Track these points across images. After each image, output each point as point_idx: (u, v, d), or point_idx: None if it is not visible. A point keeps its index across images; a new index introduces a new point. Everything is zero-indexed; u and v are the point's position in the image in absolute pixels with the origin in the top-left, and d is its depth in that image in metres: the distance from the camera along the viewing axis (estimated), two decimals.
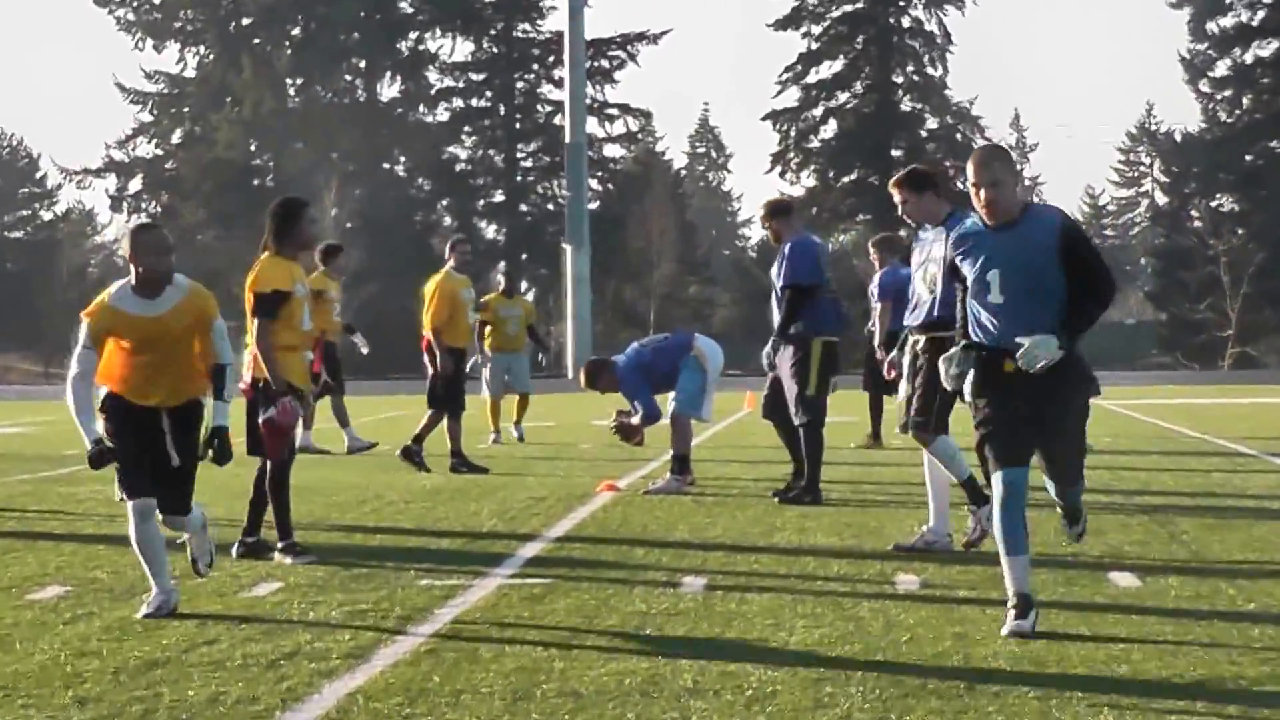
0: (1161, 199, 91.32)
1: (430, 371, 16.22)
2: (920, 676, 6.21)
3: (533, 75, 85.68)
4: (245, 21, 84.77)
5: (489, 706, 5.84)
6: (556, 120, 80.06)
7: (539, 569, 9.26)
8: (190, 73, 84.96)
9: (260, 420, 9.78)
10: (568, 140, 62.90)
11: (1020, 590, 7.08)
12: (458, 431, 15.97)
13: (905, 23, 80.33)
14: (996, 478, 7.13)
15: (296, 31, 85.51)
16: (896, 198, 9.92)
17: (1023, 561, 7.13)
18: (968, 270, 7.25)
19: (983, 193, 7.14)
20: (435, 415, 15.97)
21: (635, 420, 13.98)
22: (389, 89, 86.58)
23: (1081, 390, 7.26)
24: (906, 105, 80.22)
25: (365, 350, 19.44)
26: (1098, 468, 14.97)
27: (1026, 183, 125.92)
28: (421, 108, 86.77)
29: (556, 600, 8.09)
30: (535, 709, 5.80)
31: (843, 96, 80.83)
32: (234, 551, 9.84)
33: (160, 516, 7.92)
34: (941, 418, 9.68)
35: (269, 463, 9.89)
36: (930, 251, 9.68)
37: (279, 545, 9.80)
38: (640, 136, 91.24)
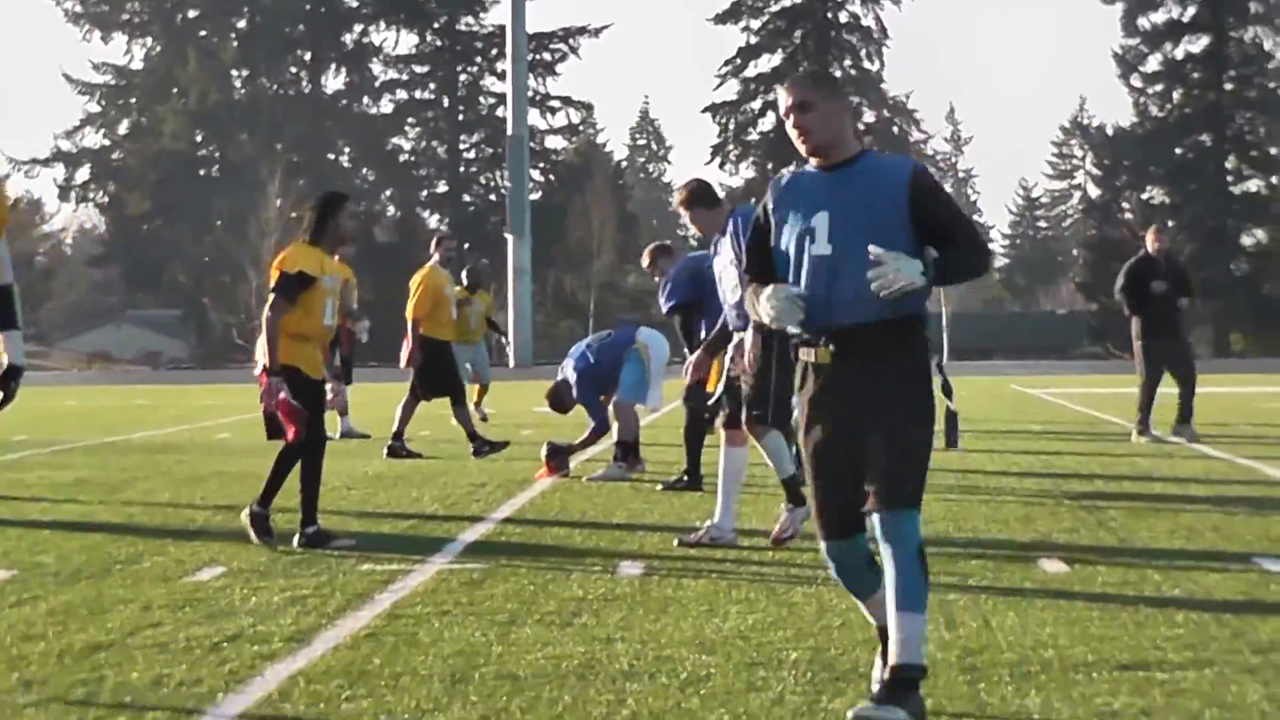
0: (1094, 191, 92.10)
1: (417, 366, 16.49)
2: (851, 661, 6.30)
3: (475, 68, 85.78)
4: (191, 14, 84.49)
5: (428, 689, 5.91)
6: (499, 112, 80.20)
7: (478, 554, 9.31)
8: (137, 64, 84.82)
9: (277, 400, 9.53)
10: (509, 132, 62.89)
11: (883, 623, 5.65)
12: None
13: (843, 18, 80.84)
14: (822, 551, 5.63)
15: (242, 24, 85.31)
16: (685, 217, 10.12)
17: (878, 600, 5.66)
18: (789, 225, 5.50)
19: (790, 118, 5.53)
20: (459, 408, 16.32)
21: (585, 435, 14.24)
22: (333, 81, 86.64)
23: (924, 388, 5.43)
24: None
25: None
26: (1028, 453, 15.18)
27: (960, 174, 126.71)
28: (365, 99, 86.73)
29: (495, 585, 8.16)
30: (473, 691, 5.86)
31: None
32: (294, 542, 9.69)
33: None
34: (780, 411, 9.66)
35: (285, 441, 9.70)
36: (725, 254, 9.78)
37: (254, 508, 9.79)
38: (581, 128, 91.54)
